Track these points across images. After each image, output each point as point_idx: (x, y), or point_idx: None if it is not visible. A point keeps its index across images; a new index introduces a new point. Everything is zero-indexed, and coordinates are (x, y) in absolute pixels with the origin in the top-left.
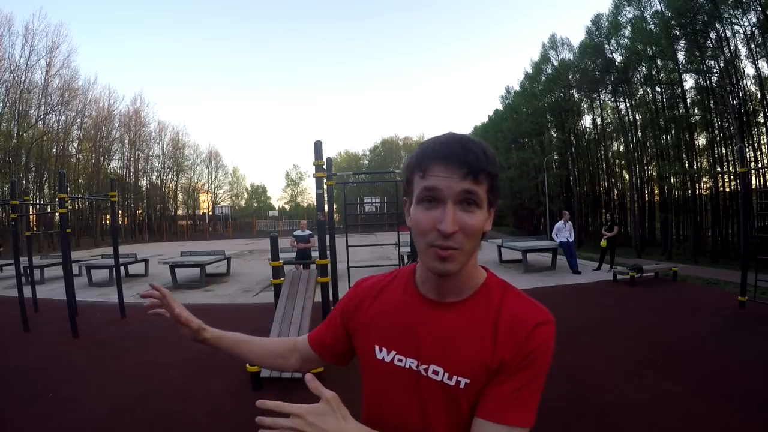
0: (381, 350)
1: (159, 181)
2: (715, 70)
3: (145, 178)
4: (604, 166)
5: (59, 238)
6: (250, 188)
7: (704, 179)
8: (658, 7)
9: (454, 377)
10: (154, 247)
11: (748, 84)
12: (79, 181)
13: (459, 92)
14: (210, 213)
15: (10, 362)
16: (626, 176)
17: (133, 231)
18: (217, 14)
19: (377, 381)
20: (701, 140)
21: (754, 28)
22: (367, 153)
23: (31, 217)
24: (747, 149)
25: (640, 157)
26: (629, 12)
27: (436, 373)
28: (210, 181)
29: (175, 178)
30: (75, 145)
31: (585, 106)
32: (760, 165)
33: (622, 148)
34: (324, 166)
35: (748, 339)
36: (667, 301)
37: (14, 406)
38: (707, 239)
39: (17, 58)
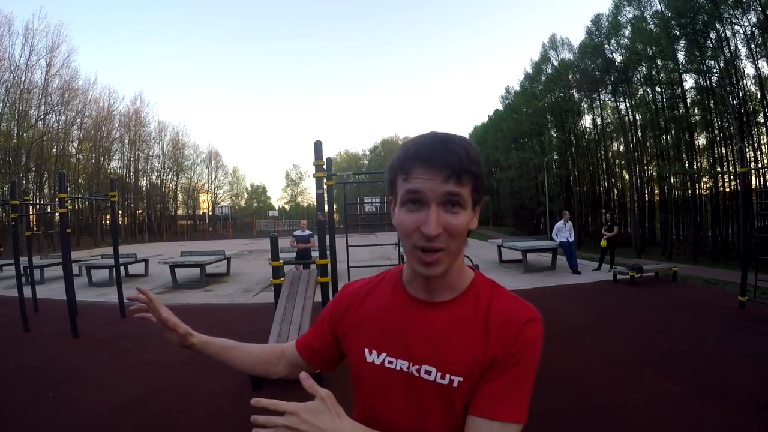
0: (371, 353)
1: (159, 181)
2: (715, 70)
3: (145, 178)
4: (604, 166)
5: (59, 238)
6: (250, 188)
7: (704, 179)
8: (658, 7)
9: (447, 376)
10: (154, 247)
11: (748, 84)
12: (79, 181)
13: (459, 92)
14: (210, 213)
15: (10, 362)
16: (626, 176)
17: (133, 231)
18: (217, 14)
19: (369, 384)
20: (701, 140)
21: (754, 28)
22: (367, 153)
23: (31, 217)
24: (747, 149)
25: (640, 157)
26: (629, 12)
27: (428, 373)
28: (210, 181)
29: (175, 178)
30: (75, 145)
31: (585, 106)
32: (760, 165)
33: (622, 148)
34: (324, 166)
35: (748, 339)
36: (667, 301)
37: (14, 406)
38: (707, 239)
39: (17, 58)
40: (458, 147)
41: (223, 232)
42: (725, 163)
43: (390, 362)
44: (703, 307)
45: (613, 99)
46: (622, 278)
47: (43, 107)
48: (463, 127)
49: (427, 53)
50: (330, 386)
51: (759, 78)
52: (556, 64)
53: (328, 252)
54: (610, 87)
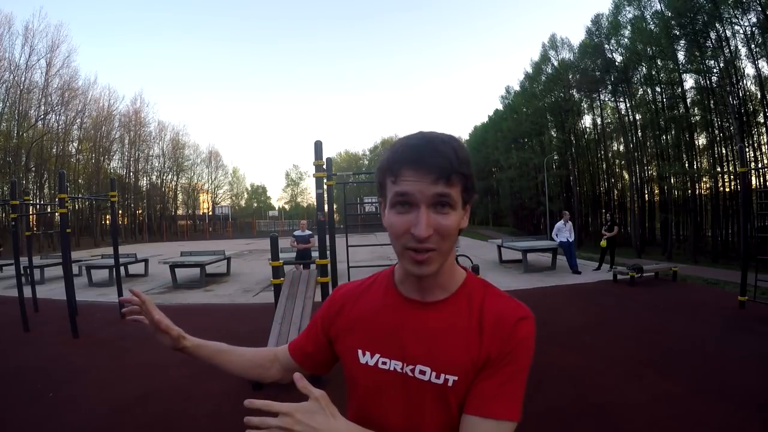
0: (364, 354)
1: (159, 181)
2: (715, 70)
3: (145, 178)
4: (604, 166)
5: (59, 238)
6: (250, 188)
7: (704, 179)
8: (658, 7)
9: (442, 375)
10: (154, 247)
11: (748, 84)
12: (79, 181)
13: (459, 92)
14: (210, 213)
15: (10, 362)
16: (626, 176)
17: (133, 231)
18: (217, 14)
19: (363, 386)
20: (701, 140)
21: (754, 28)
22: (367, 153)
23: (31, 217)
24: (747, 149)
25: (640, 157)
26: (629, 12)
27: (423, 373)
28: (210, 181)
29: (175, 178)
30: (75, 145)
31: (585, 106)
32: (760, 165)
33: (622, 148)
34: (324, 166)
35: (748, 339)
36: (667, 301)
37: (14, 406)
38: (707, 239)
39: (17, 58)
40: (447, 148)
41: (223, 232)
42: (725, 163)
43: (384, 363)
44: (703, 307)
45: (613, 99)
46: (622, 278)
47: (43, 107)
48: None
49: (427, 53)
50: (327, 386)
51: (759, 78)
52: (556, 64)
53: (328, 252)
54: (610, 87)
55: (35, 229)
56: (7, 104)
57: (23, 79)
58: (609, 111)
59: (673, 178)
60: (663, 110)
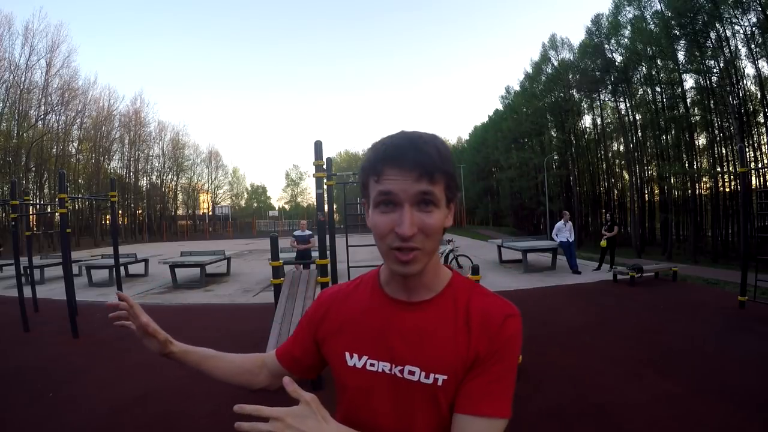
0: (352, 356)
1: (159, 181)
2: (715, 70)
3: (145, 178)
4: (604, 166)
5: (59, 238)
6: (250, 188)
7: (704, 179)
8: (658, 7)
9: (431, 375)
10: (154, 247)
11: (748, 84)
12: (79, 181)
13: (459, 92)
14: (210, 213)
15: (10, 362)
16: (626, 176)
17: (133, 231)
18: (217, 14)
19: (352, 388)
20: (701, 140)
21: (754, 28)
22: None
23: (31, 217)
24: (747, 149)
25: (640, 157)
26: (629, 12)
27: (412, 373)
28: (210, 181)
29: (175, 178)
30: (75, 145)
31: (585, 106)
32: (760, 165)
33: (622, 148)
34: (324, 166)
35: (748, 339)
36: (667, 301)
37: (14, 406)
38: (707, 239)
39: (17, 58)
40: (429, 146)
41: (223, 232)
42: (725, 163)
43: (372, 365)
44: (703, 307)
45: (613, 99)
46: (622, 278)
47: (43, 107)
48: (463, 127)
49: (427, 53)
50: (326, 386)
51: (759, 78)
52: (556, 64)
53: (328, 252)
54: (610, 87)
55: (35, 229)
56: (7, 104)
57: (23, 79)
58: (609, 111)
59: (673, 178)
60: (663, 110)
